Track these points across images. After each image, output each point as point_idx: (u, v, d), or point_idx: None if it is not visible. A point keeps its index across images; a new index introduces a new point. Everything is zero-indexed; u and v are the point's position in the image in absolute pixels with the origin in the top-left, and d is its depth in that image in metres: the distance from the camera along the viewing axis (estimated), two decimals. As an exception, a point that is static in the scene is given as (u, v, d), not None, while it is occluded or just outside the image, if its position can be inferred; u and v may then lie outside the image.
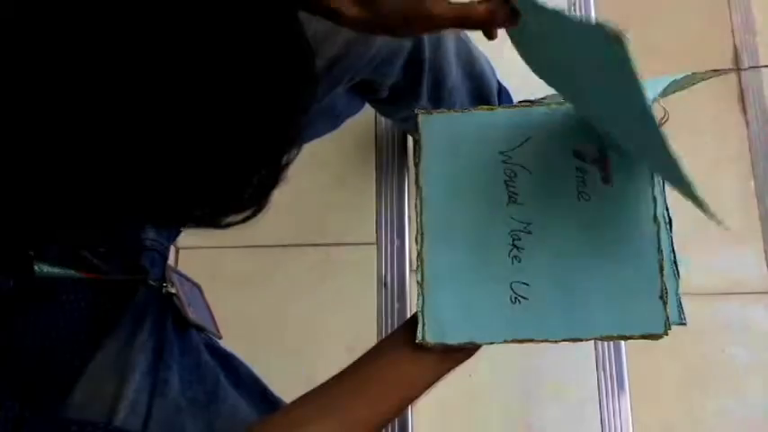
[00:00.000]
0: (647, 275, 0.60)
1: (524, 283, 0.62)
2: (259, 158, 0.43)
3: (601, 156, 0.64)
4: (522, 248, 0.63)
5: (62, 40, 0.35)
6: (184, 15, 0.37)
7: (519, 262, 0.63)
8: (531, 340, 0.61)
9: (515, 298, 0.62)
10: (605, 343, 1.17)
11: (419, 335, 0.61)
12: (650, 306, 0.60)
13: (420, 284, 0.63)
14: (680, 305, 0.60)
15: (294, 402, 0.63)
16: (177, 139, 0.39)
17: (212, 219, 0.44)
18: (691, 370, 1.17)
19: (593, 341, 1.14)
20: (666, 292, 0.60)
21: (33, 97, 0.35)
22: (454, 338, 0.61)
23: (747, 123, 1.30)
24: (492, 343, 0.61)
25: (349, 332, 1.17)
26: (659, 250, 0.61)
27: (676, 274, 0.61)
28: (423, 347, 0.62)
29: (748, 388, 1.17)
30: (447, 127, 0.67)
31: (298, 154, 0.45)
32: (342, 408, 0.61)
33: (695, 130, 1.26)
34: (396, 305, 1.19)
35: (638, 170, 0.63)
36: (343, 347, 1.12)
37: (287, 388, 0.78)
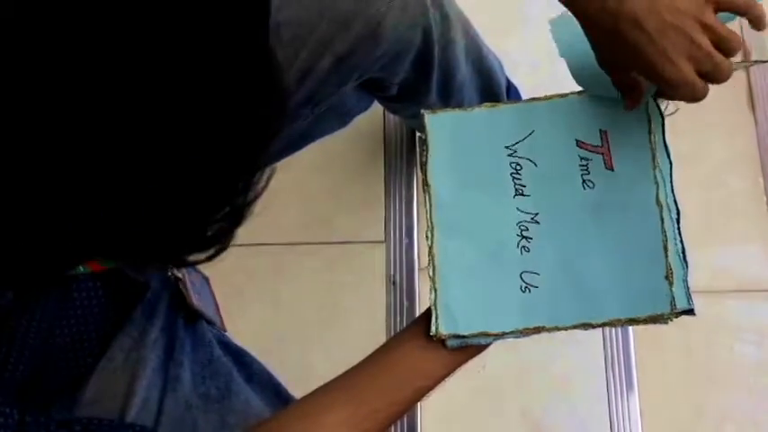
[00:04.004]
0: (653, 257, 0.61)
1: (534, 272, 0.63)
2: (222, 197, 0.41)
3: (603, 143, 0.65)
4: (531, 238, 0.64)
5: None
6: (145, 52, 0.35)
7: (528, 252, 0.64)
8: (543, 328, 0.61)
9: (525, 287, 0.63)
10: (614, 342, 1.17)
11: (433, 328, 0.62)
12: (656, 286, 0.61)
13: (432, 278, 0.64)
14: (688, 292, 0.60)
15: (309, 394, 0.63)
16: (136, 182, 0.37)
17: (176, 257, 0.43)
18: (699, 369, 1.17)
19: (601, 342, 1.16)
20: (672, 273, 0.61)
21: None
22: (467, 329, 0.62)
23: (756, 121, 1.30)
24: (504, 333, 0.62)
25: (358, 330, 1.17)
26: (662, 231, 0.62)
27: (684, 263, 0.61)
28: (436, 340, 0.62)
29: (757, 386, 1.16)
30: (452, 124, 0.68)
31: (263, 191, 0.43)
32: (355, 399, 0.61)
33: (704, 128, 1.26)
34: (405, 303, 1.19)
35: (639, 155, 0.64)
36: (352, 346, 1.12)
37: (295, 385, 0.79)
